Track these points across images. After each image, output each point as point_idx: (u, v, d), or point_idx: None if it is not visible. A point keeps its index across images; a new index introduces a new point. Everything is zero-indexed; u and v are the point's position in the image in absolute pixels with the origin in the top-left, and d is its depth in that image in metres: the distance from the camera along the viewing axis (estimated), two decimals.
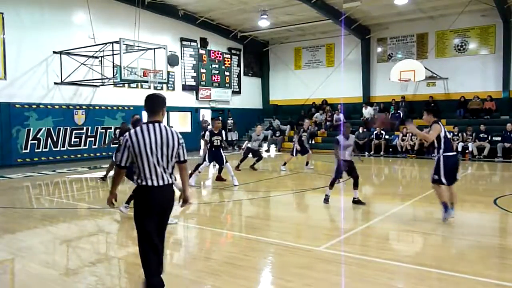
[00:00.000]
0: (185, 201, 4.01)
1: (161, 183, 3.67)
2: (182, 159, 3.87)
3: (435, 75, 20.09)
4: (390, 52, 22.09)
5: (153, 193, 3.68)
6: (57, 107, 16.20)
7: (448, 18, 19.61)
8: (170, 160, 3.75)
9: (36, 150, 15.59)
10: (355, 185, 8.33)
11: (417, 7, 19.10)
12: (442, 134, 6.86)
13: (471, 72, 19.77)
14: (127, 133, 3.77)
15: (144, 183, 3.66)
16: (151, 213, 3.70)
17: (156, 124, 3.73)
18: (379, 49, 22.41)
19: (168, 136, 3.72)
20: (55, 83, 16.14)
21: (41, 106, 15.76)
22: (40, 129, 15.71)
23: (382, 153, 18.84)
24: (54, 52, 16.00)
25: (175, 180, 3.85)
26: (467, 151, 17.11)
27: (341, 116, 20.85)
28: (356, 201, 8.32)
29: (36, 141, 15.64)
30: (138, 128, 3.71)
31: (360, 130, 19.67)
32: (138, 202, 3.74)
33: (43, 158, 15.61)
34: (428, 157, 17.54)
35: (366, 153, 19.05)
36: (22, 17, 15.14)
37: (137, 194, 3.73)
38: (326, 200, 8.34)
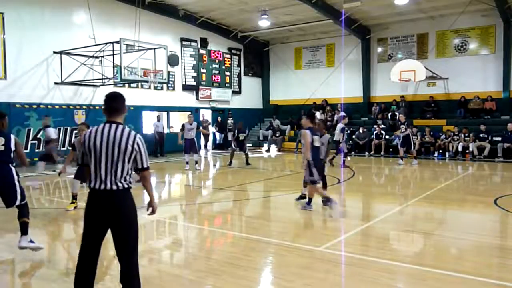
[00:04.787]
0: (153, 210, 3.80)
1: (106, 187, 3.40)
2: (140, 166, 3.55)
3: (435, 75, 20.10)
4: (390, 52, 22.08)
5: (97, 197, 3.44)
6: (57, 107, 16.19)
7: (448, 18, 19.61)
8: (123, 164, 3.44)
9: (36, 150, 15.58)
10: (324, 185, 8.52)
11: (418, 7, 19.10)
12: (309, 140, 7.40)
13: (472, 72, 19.77)
14: (85, 132, 3.62)
15: (91, 185, 3.46)
16: (93, 219, 3.46)
17: (113, 125, 3.49)
18: (380, 49, 22.41)
19: (122, 138, 3.43)
20: (56, 83, 16.14)
21: (41, 106, 15.76)
22: (40, 129, 15.71)
23: (382, 153, 18.85)
24: (55, 52, 16.00)
25: (130, 186, 3.54)
26: (467, 151, 17.11)
27: (342, 113, 20.81)
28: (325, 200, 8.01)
29: (36, 141, 15.63)
30: (94, 128, 3.52)
31: (361, 130, 19.68)
32: (86, 204, 3.54)
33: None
34: (428, 157, 17.58)
35: (366, 153, 19.06)
36: (23, 17, 15.14)
37: (87, 197, 3.54)
38: (324, 202, 8.17)
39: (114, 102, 3.56)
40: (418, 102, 20.88)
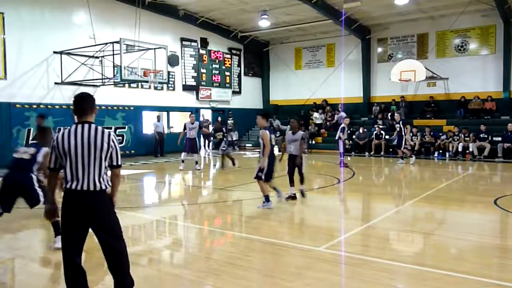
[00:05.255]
0: (112, 206, 3.74)
1: (84, 187, 3.41)
2: (114, 163, 3.58)
3: (435, 75, 20.10)
4: (390, 52, 22.09)
5: (74, 197, 3.43)
6: (57, 107, 16.19)
7: (448, 18, 19.61)
8: (100, 164, 3.47)
9: None
10: (302, 181, 8.56)
11: (418, 7, 19.10)
12: (269, 139, 7.68)
13: (472, 72, 19.77)
14: (55, 135, 3.60)
15: (67, 186, 3.45)
16: (70, 220, 3.45)
17: (86, 125, 3.49)
18: (380, 49, 22.41)
19: (97, 137, 3.46)
20: (56, 83, 16.14)
21: (41, 106, 15.75)
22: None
23: (382, 153, 18.85)
24: (55, 52, 16.00)
25: (107, 186, 3.56)
26: (467, 151, 17.11)
27: (343, 114, 20.84)
28: (301, 193, 8.59)
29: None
30: (66, 129, 3.51)
31: (361, 130, 19.68)
32: (62, 206, 3.51)
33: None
34: (428, 157, 17.58)
35: (367, 153, 19.06)
36: (23, 17, 15.14)
37: (63, 198, 3.52)
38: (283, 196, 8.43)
39: (83, 103, 3.59)
40: (418, 102, 20.88)
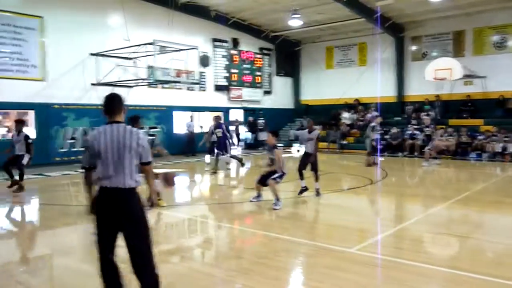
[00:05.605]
0: (152, 204, 3.85)
1: (115, 185, 3.50)
2: (143, 160, 3.66)
3: (472, 73, 19.49)
4: (425, 50, 21.57)
5: (106, 195, 3.53)
6: (93, 107, 16.65)
7: (486, 15, 18.99)
8: (131, 163, 3.55)
9: (73, 149, 16.10)
10: (316, 179, 8.91)
11: (454, 3, 18.57)
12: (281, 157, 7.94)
13: (511, 70, 19.06)
14: (88, 135, 3.71)
15: (101, 184, 3.55)
16: (103, 217, 3.55)
17: (114, 125, 3.60)
18: (414, 48, 21.93)
19: (126, 136, 3.55)
20: (92, 84, 16.61)
21: (78, 106, 16.26)
22: (77, 129, 16.23)
23: (416, 153, 18.42)
24: (91, 54, 16.47)
25: (137, 183, 3.61)
26: (506, 152, 16.50)
27: (375, 113, 20.51)
28: (316, 192, 8.96)
29: (73, 141, 16.15)
30: (97, 129, 3.62)
31: (394, 130, 19.32)
32: (96, 205, 3.61)
33: (79, 157, 16.05)
34: (464, 158, 17.07)
35: (400, 153, 18.69)
36: (61, 20, 15.65)
37: (97, 196, 3.63)
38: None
39: (112, 103, 3.70)
40: (454, 101, 20.29)
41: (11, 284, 4.42)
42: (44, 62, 15.30)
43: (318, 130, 9.20)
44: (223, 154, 13.25)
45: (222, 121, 14.01)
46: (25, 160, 10.06)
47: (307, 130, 9.00)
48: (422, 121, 19.20)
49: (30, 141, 10.15)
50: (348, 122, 22.36)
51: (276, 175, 7.93)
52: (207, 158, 13.98)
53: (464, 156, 17.40)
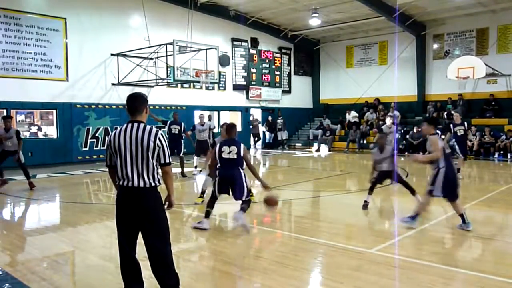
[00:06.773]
0: (170, 205, 3.81)
1: (133, 184, 3.53)
2: (162, 161, 3.64)
3: (496, 72, 19.07)
4: (447, 48, 21.20)
5: (125, 194, 3.58)
6: (114, 107, 16.90)
7: (511, 12, 18.53)
8: (148, 162, 3.56)
9: (94, 148, 16.37)
10: (412, 192, 8.06)
11: (477, 0, 18.20)
12: (441, 145, 6.61)
13: None
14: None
15: (120, 183, 3.60)
16: (122, 215, 3.60)
17: (135, 124, 3.61)
18: (435, 46, 21.58)
19: (144, 135, 3.54)
20: (113, 84, 16.86)
21: (99, 106, 16.52)
22: (98, 128, 16.49)
23: None
24: (112, 54, 16.72)
25: (158, 183, 3.63)
26: None
27: (396, 113, 20.21)
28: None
29: (94, 140, 16.42)
30: (118, 128, 3.66)
31: (414, 130, 19.04)
32: (116, 202, 3.68)
33: (101, 156, 16.34)
34: (488, 158, 16.71)
35: (421, 153, 18.39)
36: (83, 21, 15.94)
37: (116, 194, 3.70)
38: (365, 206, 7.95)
39: (134, 102, 3.70)
40: (477, 100, 19.90)
41: (35, 280, 4.51)
42: (67, 63, 15.59)
43: (390, 146, 8.25)
44: (178, 154, 12.08)
45: (178, 118, 12.74)
46: (22, 158, 10.32)
47: (378, 150, 7.96)
48: (452, 119, 18.18)
49: (21, 136, 10.42)
50: (353, 120, 22.19)
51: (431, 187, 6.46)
52: (195, 160, 13.02)
53: (487, 156, 17.04)
